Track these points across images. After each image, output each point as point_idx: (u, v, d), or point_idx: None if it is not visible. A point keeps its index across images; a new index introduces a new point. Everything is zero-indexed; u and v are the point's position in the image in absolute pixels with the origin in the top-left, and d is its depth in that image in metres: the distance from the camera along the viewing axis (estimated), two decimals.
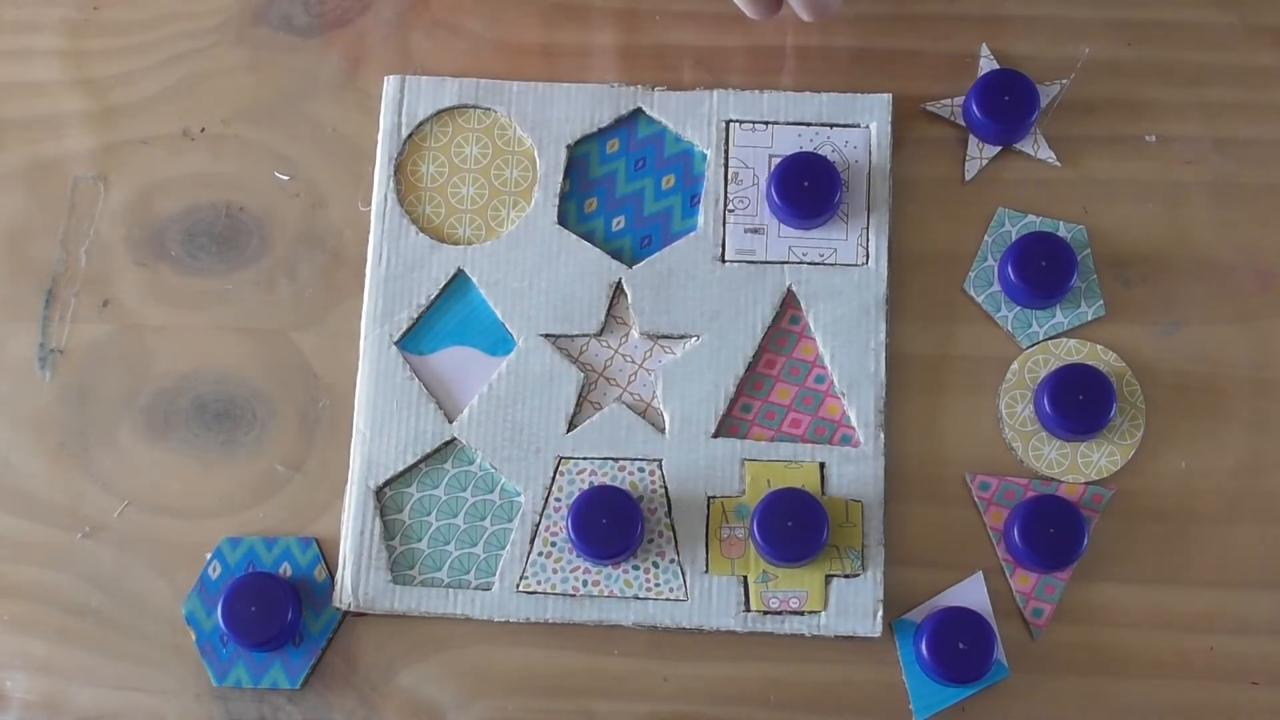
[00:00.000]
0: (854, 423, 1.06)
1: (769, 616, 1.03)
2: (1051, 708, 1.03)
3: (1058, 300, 1.07)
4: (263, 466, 1.08)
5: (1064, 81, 1.11)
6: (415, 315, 1.08)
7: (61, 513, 1.07)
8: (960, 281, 1.09)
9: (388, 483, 1.06)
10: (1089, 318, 1.08)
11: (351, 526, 1.05)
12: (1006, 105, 1.09)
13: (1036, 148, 1.10)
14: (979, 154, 1.10)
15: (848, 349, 1.07)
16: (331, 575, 1.05)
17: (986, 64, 1.11)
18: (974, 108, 1.09)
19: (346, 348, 1.09)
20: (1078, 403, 1.04)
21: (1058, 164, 1.09)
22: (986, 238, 1.09)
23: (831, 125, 1.11)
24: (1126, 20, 1.13)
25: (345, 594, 1.04)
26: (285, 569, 1.05)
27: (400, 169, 1.11)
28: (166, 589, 1.06)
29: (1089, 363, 1.06)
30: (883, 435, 1.06)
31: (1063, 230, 1.09)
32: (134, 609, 1.06)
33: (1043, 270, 1.06)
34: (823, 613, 1.03)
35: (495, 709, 1.04)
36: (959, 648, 1.00)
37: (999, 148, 1.10)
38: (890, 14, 1.13)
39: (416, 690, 1.04)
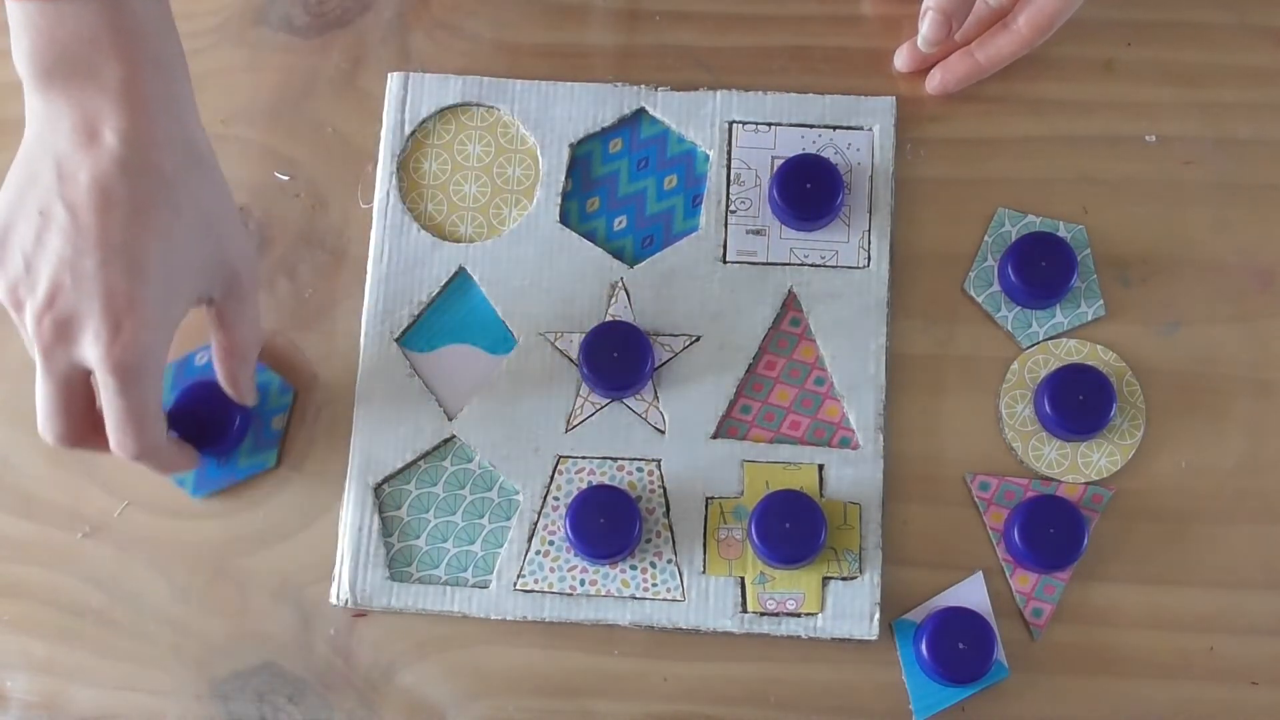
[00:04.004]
0: (853, 425, 1.06)
1: (765, 618, 1.03)
2: (1051, 708, 1.03)
3: (1058, 300, 1.07)
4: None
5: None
6: (416, 312, 1.09)
7: (61, 513, 1.08)
8: (960, 281, 1.09)
9: (386, 479, 1.06)
10: (1089, 318, 1.08)
11: (350, 523, 1.05)
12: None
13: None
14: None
15: (848, 351, 1.07)
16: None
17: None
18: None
19: (346, 348, 1.09)
20: (1078, 403, 1.04)
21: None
22: (986, 238, 1.09)
23: (834, 127, 1.11)
24: (1126, 20, 1.13)
25: (343, 590, 1.05)
26: None
27: (403, 166, 1.11)
28: (166, 589, 1.06)
29: (1089, 363, 1.06)
30: (882, 438, 1.06)
31: (1063, 230, 1.09)
32: (134, 609, 1.06)
33: (1043, 270, 1.06)
34: (820, 614, 1.03)
35: (495, 709, 1.04)
36: (959, 648, 1.00)
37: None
38: (894, 14, 1.13)
39: (416, 690, 1.04)
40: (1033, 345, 1.08)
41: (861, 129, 1.11)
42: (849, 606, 1.03)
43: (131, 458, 0.95)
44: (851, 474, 1.05)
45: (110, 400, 0.92)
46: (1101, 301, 1.08)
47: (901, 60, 1.12)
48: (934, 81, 1.12)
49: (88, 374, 0.93)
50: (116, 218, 0.90)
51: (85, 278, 0.89)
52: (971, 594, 1.04)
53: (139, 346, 0.90)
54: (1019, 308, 1.08)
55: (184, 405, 1.06)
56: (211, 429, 1.06)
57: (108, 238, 0.89)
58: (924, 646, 1.01)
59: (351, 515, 1.06)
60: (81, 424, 0.96)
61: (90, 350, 0.90)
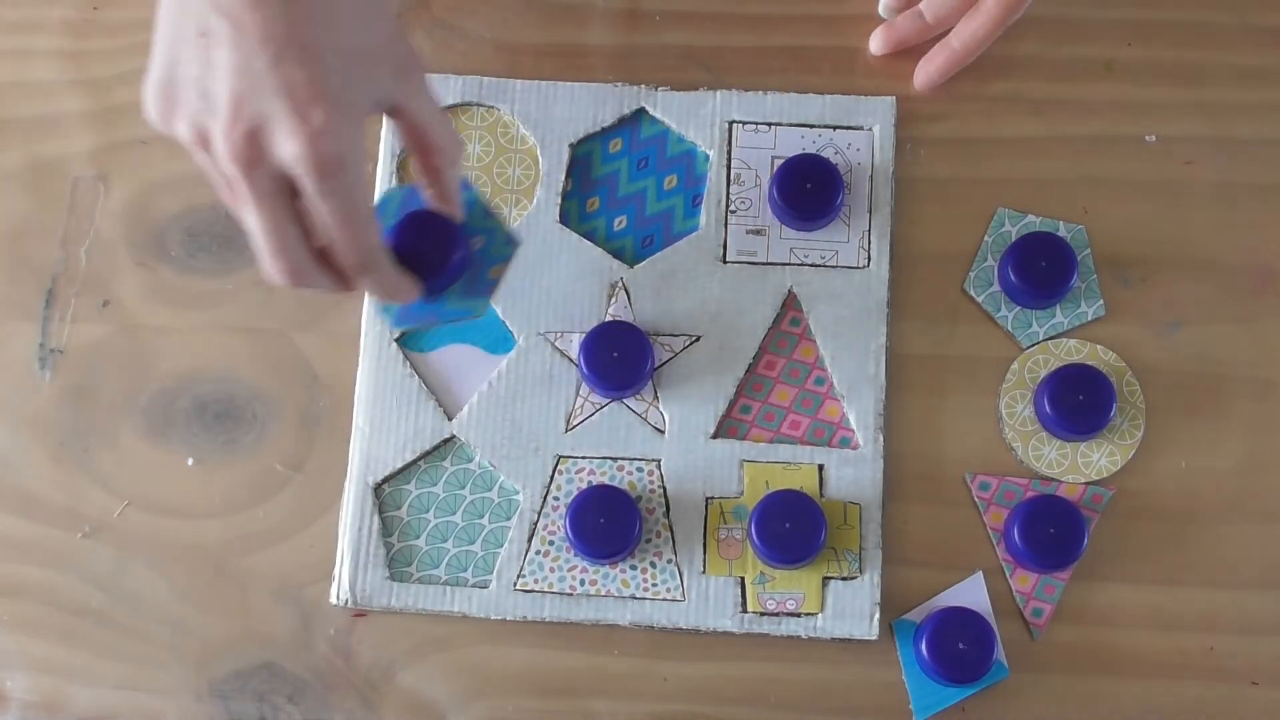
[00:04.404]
0: (853, 425, 1.06)
1: (766, 618, 1.03)
2: (1051, 708, 1.03)
3: (1058, 300, 1.07)
4: (263, 466, 1.08)
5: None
6: None
7: (61, 513, 1.08)
8: (960, 281, 1.09)
9: (386, 479, 1.07)
10: (1089, 318, 1.08)
11: (350, 523, 1.06)
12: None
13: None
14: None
15: (848, 351, 1.07)
16: None
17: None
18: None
19: (346, 348, 1.09)
20: (1078, 403, 1.04)
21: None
22: (986, 238, 1.09)
23: (834, 127, 1.11)
24: (1126, 20, 1.13)
25: (343, 590, 1.05)
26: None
27: (403, 166, 1.11)
28: (166, 589, 1.06)
29: (1089, 363, 1.06)
30: (882, 438, 1.06)
31: (1063, 230, 1.09)
32: (134, 609, 1.06)
33: (1043, 270, 1.06)
34: (820, 615, 1.03)
35: (495, 709, 1.04)
36: (959, 648, 1.00)
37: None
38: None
39: (416, 690, 1.04)
40: (1033, 345, 1.08)
41: (861, 129, 1.11)
42: (849, 606, 1.03)
43: (355, 265, 0.92)
44: (851, 474, 1.05)
45: (320, 205, 0.89)
46: (1101, 301, 1.08)
47: (875, 43, 1.13)
48: (919, 79, 1.12)
49: (293, 194, 0.90)
50: (274, 9, 0.86)
51: (261, 78, 0.86)
52: (971, 594, 1.04)
53: (332, 134, 0.87)
54: (1019, 308, 1.08)
55: (402, 236, 1.01)
56: (428, 263, 1.00)
57: (271, 31, 0.86)
58: (924, 646, 1.01)
59: (351, 515, 1.06)
60: (305, 252, 0.92)
61: (286, 149, 0.86)
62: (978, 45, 1.09)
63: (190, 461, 1.08)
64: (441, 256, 0.99)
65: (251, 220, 0.89)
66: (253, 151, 0.86)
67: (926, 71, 1.11)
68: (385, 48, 0.91)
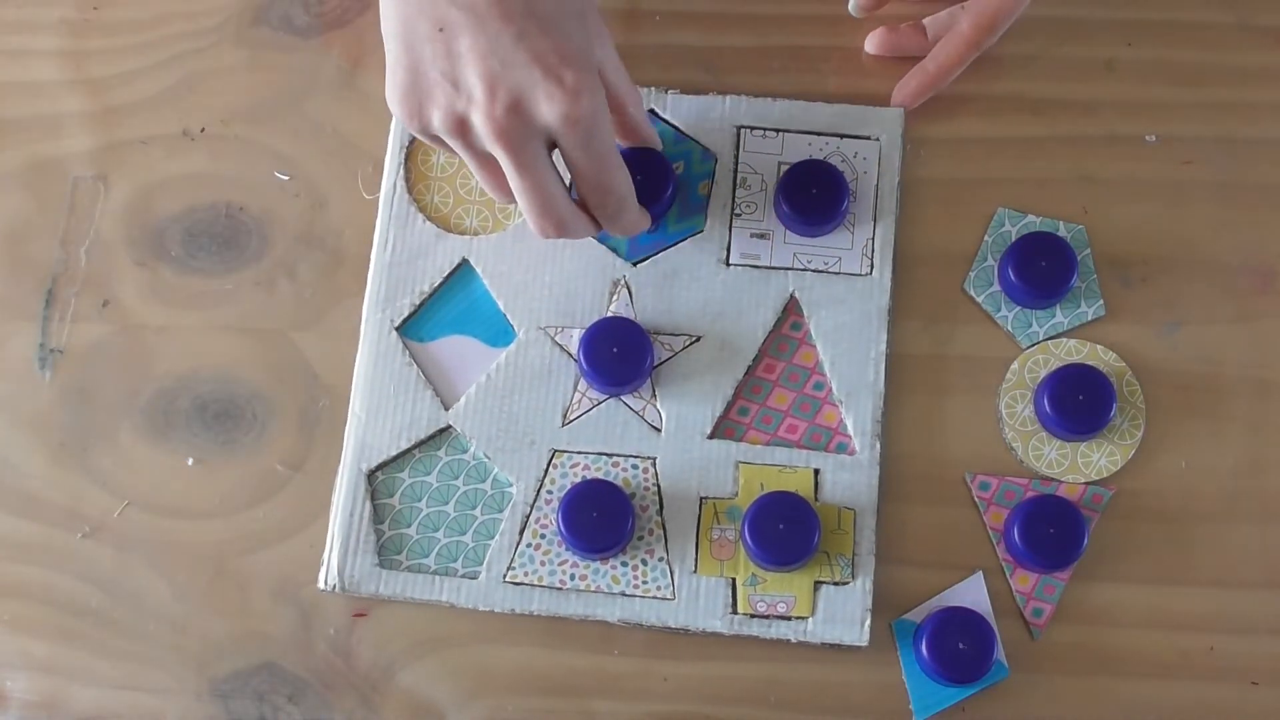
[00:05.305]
0: (850, 431, 1.06)
1: (755, 620, 1.03)
2: (1051, 708, 1.03)
3: (1058, 300, 1.07)
4: (263, 466, 1.08)
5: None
6: (417, 302, 1.09)
7: (61, 513, 1.08)
8: (960, 281, 1.09)
9: (380, 466, 1.07)
10: (1089, 318, 1.07)
11: (341, 508, 1.06)
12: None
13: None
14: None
15: (848, 357, 1.07)
16: None
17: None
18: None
19: (346, 347, 1.09)
20: (1078, 403, 1.04)
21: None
22: (986, 238, 1.09)
23: (842, 136, 1.11)
24: (1126, 20, 1.13)
25: (331, 575, 1.05)
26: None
27: (410, 157, 1.12)
28: (166, 589, 1.06)
29: (1089, 363, 1.06)
30: (879, 444, 1.05)
31: (1063, 230, 1.09)
32: (134, 609, 1.06)
33: (1043, 270, 1.06)
34: (810, 618, 1.03)
35: (495, 708, 1.04)
36: (959, 648, 1.00)
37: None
38: (894, 15, 1.13)
39: (416, 690, 1.04)
40: (1033, 345, 1.07)
41: (869, 139, 1.11)
42: (840, 611, 1.03)
43: (615, 204, 0.99)
44: (847, 479, 1.05)
45: (582, 156, 0.95)
46: (1101, 301, 1.08)
47: (871, 44, 1.13)
48: (896, 99, 1.12)
49: (552, 158, 0.96)
50: None
51: (510, 54, 0.91)
52: (971, 594, 1.04)
53: (588, 90, 0.92)
54: (1019, 308, 1.08)
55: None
56: (645, 196, 1.05)
57: (509, 10, 0.91)
58: (924, 646, 1.01)
59: (344, 501, 1.06)
60: (568, 203, 0.98)
61: (549, 113, 0.92)
62: (952, 68, 1.10)
63: (190, 461, 1.08)
64: (657, 186, 1.08)
65: (517, 187, 0.96)
66: (516, 122, 0.92)
67: (902, 95, 1.12)
68: (588, 11, 0.97)
